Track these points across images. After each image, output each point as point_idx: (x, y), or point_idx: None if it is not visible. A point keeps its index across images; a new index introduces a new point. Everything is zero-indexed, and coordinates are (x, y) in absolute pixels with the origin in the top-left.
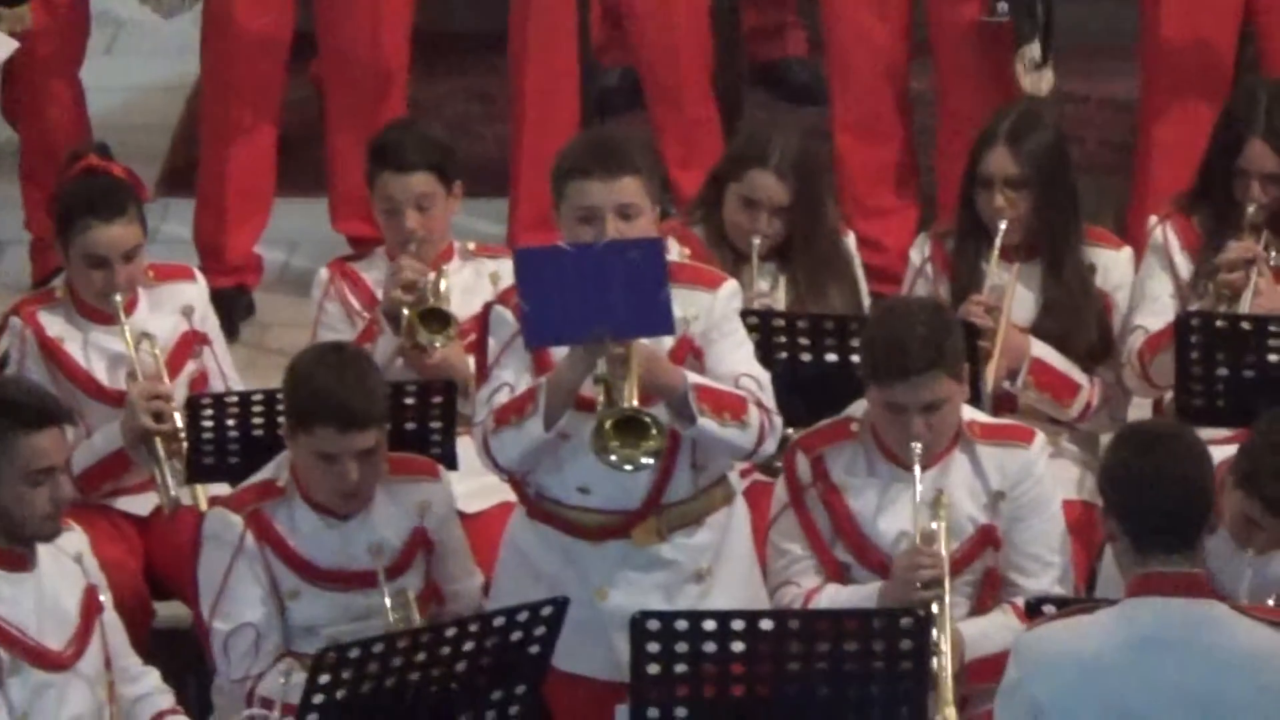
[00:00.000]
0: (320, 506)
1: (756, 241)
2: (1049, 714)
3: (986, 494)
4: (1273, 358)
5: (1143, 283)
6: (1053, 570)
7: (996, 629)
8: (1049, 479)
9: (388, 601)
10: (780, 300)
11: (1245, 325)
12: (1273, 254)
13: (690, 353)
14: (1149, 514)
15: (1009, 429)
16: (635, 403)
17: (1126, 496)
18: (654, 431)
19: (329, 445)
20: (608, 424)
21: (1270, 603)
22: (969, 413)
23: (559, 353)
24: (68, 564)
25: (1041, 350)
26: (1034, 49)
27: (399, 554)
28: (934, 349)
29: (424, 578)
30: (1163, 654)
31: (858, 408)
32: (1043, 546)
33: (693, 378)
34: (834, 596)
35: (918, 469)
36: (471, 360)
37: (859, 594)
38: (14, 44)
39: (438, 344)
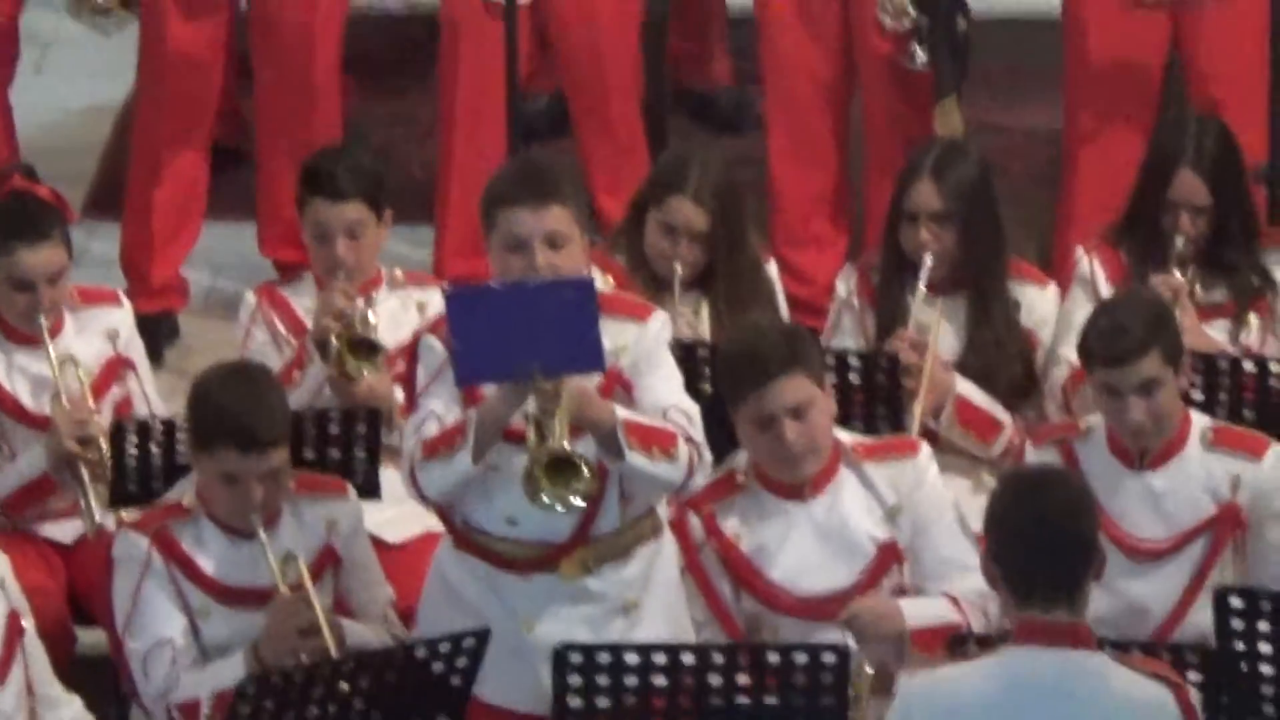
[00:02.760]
0: (226, 525)
1: (678, 269)
2: None
3: (882, 509)
4: (1197, 396)
5: (1068, 314)
6: (972, 573)
7: (932, 605)
8: (940, 483)
9: (272, 560)
10: (705, 327)
11: None
12: (1198, 289)
13: (619, 385)
14: (1028, 565)
15: (892, 444)
16: (565, 442)
17: (1005, 546)
18: (585, 473)
19: (231, 466)
20: (539, 466)
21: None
22: (847, 436)
23: (489, 385)
24: None
25: (965, 387)
26: (951, 100)
27: (308, 570)
28: (788, 351)
29: (332, 594)
30: (1034, 704)
31: (740, 458)
32: (954, 549)
33: (622, 413)
34: None
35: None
36: (399, 390)
37: None
38: None
39: (365, 373)
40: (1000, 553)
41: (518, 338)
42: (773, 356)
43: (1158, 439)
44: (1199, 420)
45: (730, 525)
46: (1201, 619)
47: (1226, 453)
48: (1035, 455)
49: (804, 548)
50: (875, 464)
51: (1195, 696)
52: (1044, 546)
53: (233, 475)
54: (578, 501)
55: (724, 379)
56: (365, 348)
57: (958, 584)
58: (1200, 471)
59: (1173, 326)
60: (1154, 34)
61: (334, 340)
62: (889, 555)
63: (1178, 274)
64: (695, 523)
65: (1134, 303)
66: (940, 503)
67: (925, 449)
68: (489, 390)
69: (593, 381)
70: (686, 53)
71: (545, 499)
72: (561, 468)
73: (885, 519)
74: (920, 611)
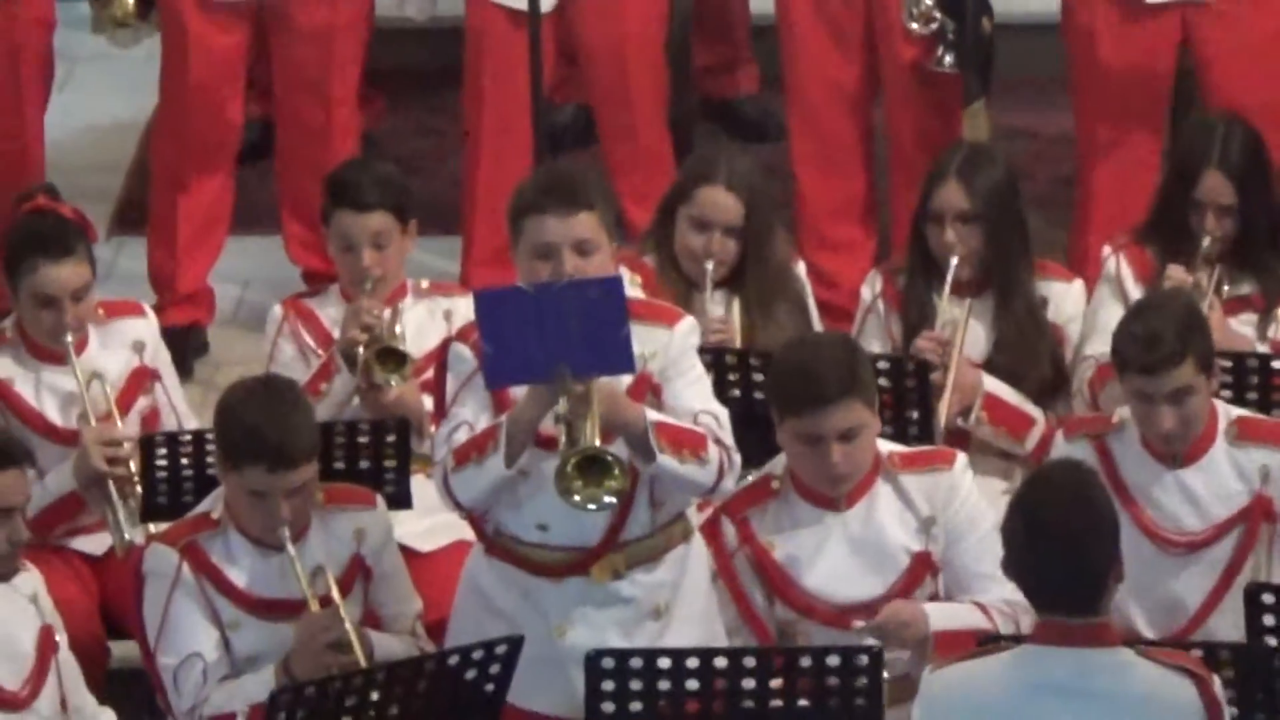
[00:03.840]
0: (256, 538)
1: (710, 267)
2: None
3: (917, 520)
4: (1225, 393)
5: (1095, 313)
6: (1004, 584)
7: (959, 611)
8: (976, 494)
9: (300, 575)
10: (736, 325)
11: None
12: (1225, 287)
13: (649, 389)
14: (1044, 578)
15: (928, 455)
16: (597, 442)
17: (1020, 560)
18: (616, 471)
19: (259, 483)
20: (570, 464)
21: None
22: (885, 446)
23: (518, 390)
24: (23, 604)
25: (994, 385)
26: (979, 105)
27: (337, 581)
28: (848, 375)
29: (362, 606)
30: (1052, 702)
31: (776, 464)
32: (988, 563)
33: (652, 415)
34: None
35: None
36: (427, 399)
37: None
38: None
39: (393, 383)
40: (1016, 566)
41: (547, 339)
42: (831, 381)
43: (1187, 442)
44: (1223, 413)
45: (764, 532)
46: (1233, 617)
47: (1253, 444)
48: (1066, 449)
49: (837, 557)
50: (911, 474)
51: (1220, 689)
52: (1058, 561)
53: (260, 491)
54: (609, 500)
55: (776, 391)
56: (393, 357)
57: (990, 593)
58: (1230, 465)
59: (1206, 333)
60: (1163, 36)
61: (361, 351)
62: (922, 566)
63: (1182, 271)
64: (729, 529)
65: (1168, 309)
66: (974, 515)
67: (961, 460)
68: (519, 395)
69: (623, 385)
70: (711, 61)
71: (577, 498)
72: (593, 466)
73: (920, 530)
74: (946, 616)
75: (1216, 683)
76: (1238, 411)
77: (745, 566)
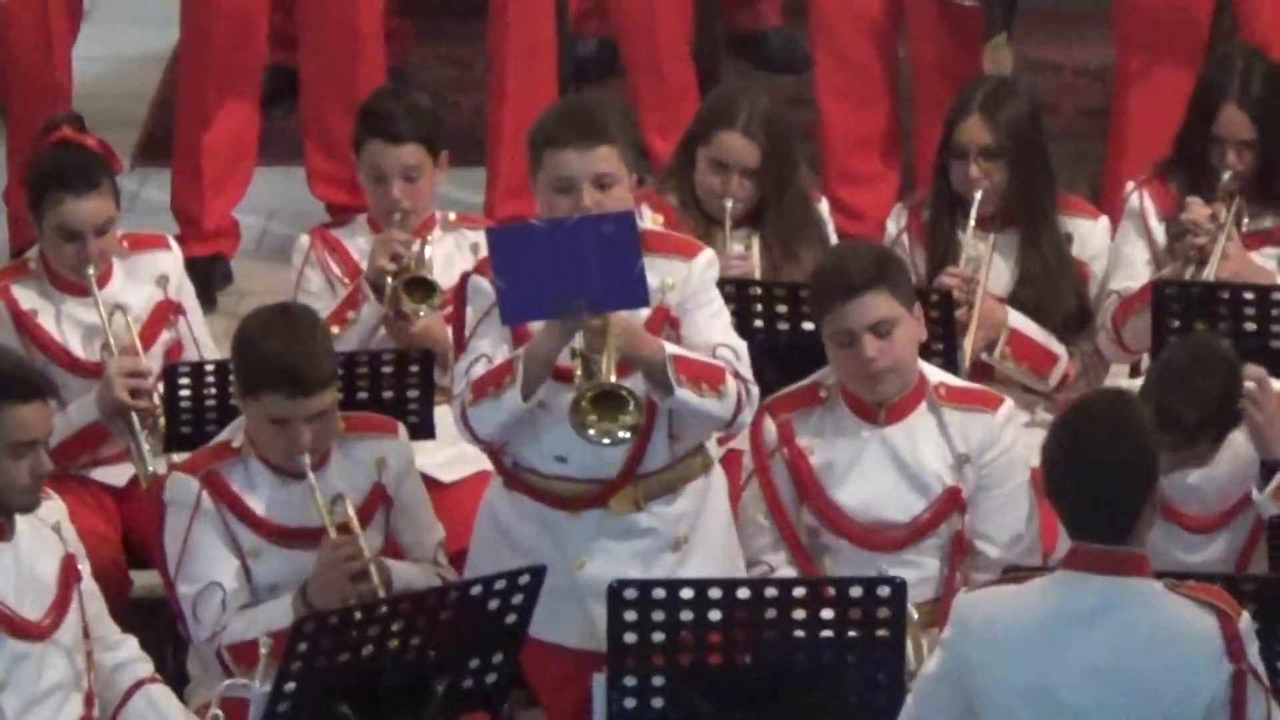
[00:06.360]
0: (276, 466)
1: (729, 205)
2: (975, 677)
3: (952, 455)
4: (1249, 326)
5: (1118, 248)
6: (1021, 543)
7: None
8: (1018, 447)
9: (320, 503)
10: (756, 263)
11: (1223, 294)
12: (1245, 220)
13: (666, 322)
14: (1079, 501)
15: (976, 394)
16: (613, 376)
17: (1057, 481)
18: (631, 406)
19: (278, 410)
20: (585, 399)
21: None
22: (938, 375)
23: (537, 323)
24: (46, 533)
25: (1019, 321)
26: (1001, 38)
27: (358, 510)
28: (873, 267)
29: (384, 534)
30: (1076, 631)
31: (826, 373)
32: (1010, 516)
33: (670, 348)
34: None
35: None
36: (451, 331)
37: None
38: None
39: (421, 313)
40: (1053, 488)
41: (562, 274)
42: (858, 272)
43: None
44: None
45: (804, 436)
46: None
47: None
48: None
49: (872, 473)
50: (955, 409)
51: (1246, 625)
52: (1093, 487)
53: (280, 419)
54: (624, 435)
55: (813, 294)
56: (422, 287)
57: (997, 554)
58: (1247, 448)
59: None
60: None
61: (390, 280)
62: (952, 500)
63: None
64: (770, 428)
65: (1213, 378)
66: (1009, 466)
67: (1007, 407)
68: (536, 328)
69: (641, 318)
70: None
71: (592, 432)
72: (608, 401)
73: (954, 465)
74: None
75: (1244, 619)
76: None
77: (781, 469)
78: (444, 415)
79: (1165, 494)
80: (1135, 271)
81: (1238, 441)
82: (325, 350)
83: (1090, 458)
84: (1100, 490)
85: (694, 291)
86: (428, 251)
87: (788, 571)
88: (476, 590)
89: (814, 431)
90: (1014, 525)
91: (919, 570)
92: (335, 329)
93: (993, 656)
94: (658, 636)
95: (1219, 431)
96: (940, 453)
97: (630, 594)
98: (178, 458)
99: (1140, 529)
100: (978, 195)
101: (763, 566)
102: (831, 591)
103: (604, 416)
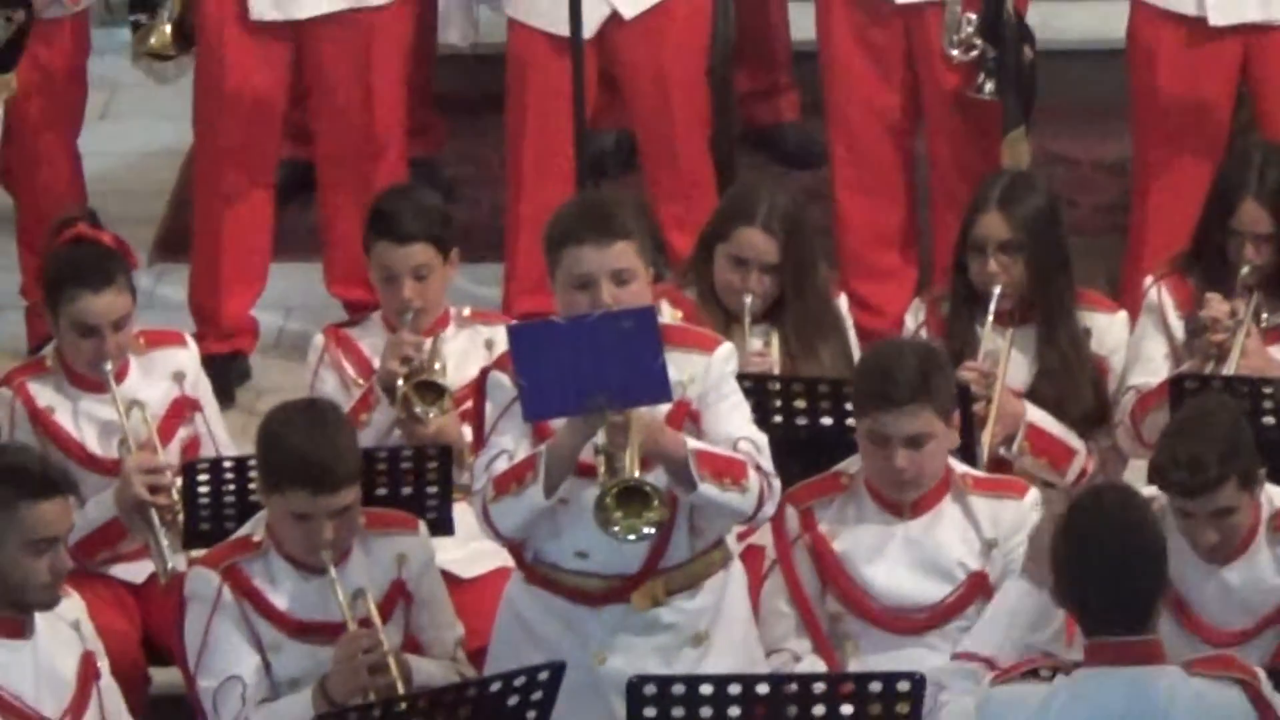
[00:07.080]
0: (298, 561)
1: (748, 301)
2: None
3: (980, 540)
4: (1268, 420)
5: (1137, 343)
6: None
7: None
8: None
9: (341, 598)
10: (775, 359)
11: (1241, 388)
12: (1265, 315)
13: (687, 416)
14: (1096, 597)
15: (1003, 482)
16: (637, 472)
17: (1069, 585)
18: (656, 502)
19: (302, 506)
20: (610, 495)
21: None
22: (961, 467)
23: (558, 419)
24: (65, 631)
25: (1037, 416)
26: (1019, 132)
27: (379, 606)
28: (920, 380)
29: (403, 631)
30: None
31: (850, 463)
32: None
33: (692, 444)
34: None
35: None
36: (467, 428)
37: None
38: None
39: (432, 415)
40: (1068, 588)
41: (583, 371)
42: (904, 384)
43: (1227, 550)
44: (1266, 506)
45: (826, 523)
46: None
47: None
48: None
49: (894, 562)
50: (981, 497)
51: (1268, 686)
52: (1107, 583)
53: (304, 514)
54: (649, 530)
55: (855, 387)
56: (431, 390)
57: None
58: (1271, 559)
59: (1249, 449)
60: (1224, 63)
61: (400, 383)
62: (977, 585)
63: (1220, 299)
64: (792, 516)
65: (1209, 429)
66: None
67: (1033, 494)
68: (558, 424)
69: (661, 413)
70: (753, 87)
71: (617, 529)
72: (633, 497)
73: (981, 551)
74: None
75: (1263, 681)
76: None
77: (804, 555)
78: (463, 511)
79: (1194, 607)
80: (1154, 367)
81: (1263, 549)
82: (350, 447)
83: (1104, 552)
84: (1118, 583)
85: (714, 384)
86: (439, 354)
87: (811, 657)
88: (496, 686)
89: (836, 519)
90: None
91: (944, 655)
92: None
93: None
94: None
95: (1243, 471)
96: (966, 540)
97: (650, 690)
98: (196, 554)
99: (1156, 616)
100: (996, 290)
101: (784, 654)
102: (851, 687)
103: (629, 513)
